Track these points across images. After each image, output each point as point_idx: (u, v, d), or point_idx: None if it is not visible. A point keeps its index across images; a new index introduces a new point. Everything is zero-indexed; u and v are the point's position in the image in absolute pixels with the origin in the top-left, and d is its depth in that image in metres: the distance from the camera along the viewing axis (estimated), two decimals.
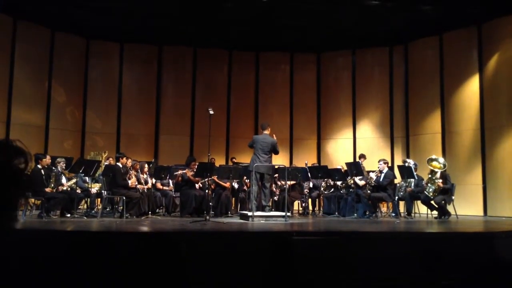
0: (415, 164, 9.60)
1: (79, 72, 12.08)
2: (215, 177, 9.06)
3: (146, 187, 8.65)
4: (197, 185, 9.08)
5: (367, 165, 10.13)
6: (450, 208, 8.90)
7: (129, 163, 8.58)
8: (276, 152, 8.24)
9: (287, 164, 10.21)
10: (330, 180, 10.02)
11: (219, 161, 11.59)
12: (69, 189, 8.20)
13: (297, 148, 13.16)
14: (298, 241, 4.89)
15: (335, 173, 9.74)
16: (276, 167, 9.07)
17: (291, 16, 10.70)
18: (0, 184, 1.03)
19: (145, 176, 8.88)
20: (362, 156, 10.39)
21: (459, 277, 4.39)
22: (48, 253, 4.12)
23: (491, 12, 10.12)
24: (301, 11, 10.37)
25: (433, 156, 9.41)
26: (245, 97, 13.20)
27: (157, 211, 9.21)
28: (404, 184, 9.58)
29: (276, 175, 9.51)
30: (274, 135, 8.31)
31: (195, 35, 12.12)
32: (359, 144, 12.64)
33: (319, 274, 4.54)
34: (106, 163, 9.49)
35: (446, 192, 8.89)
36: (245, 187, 9.72)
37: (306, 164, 10.52)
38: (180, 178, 9.11)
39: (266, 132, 8.25)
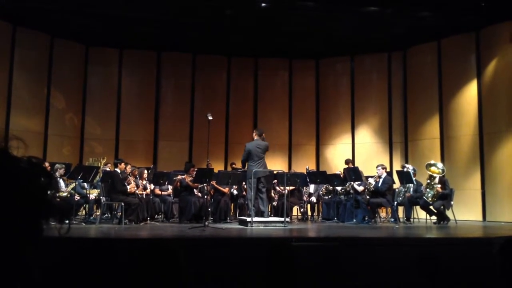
0: (413, 169, 9.60)
1: (78, 79, 12.08)
2: (214, 183, 9.05)
3: (145, 192, 8.63)
4: (195, 191, 9.06)
5: (366, 170, 10.12)
6: (449, 213, 8.90)
7: (129, 168, 8.57)
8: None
9: (286, 170, 10.20)
10: (329, 185, 10.03)
11: (218, 167, 11.56)
12: (68, 195, 8.19)
13: (296, 153, 13.16)
14: (297, 247, 4.89)
15: (334, 179, 9.75)
16: (275, 172, 9.06)
17: (290, 23, 10.73)
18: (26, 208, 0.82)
19: (144, 182, 8.86)
20: (349, 161, 10.37)
21: (459, 283, 4.38)
22: (46, 260, 4.11)
23: (489, 18, 10.16)
24: (300, 18, 10.41)
25: (432, 161, 9.43)
26: (244, 103, 13.21)
27: (156, 217, 9.20)
28: (403, 190, 9.58)
29: (275, 180, 9.51)
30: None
31: (194, 41, 12.14)
32: (358, 150, 12.64)
33: (318, 280, 4.53)
34: (107, 169, 9.45)
35: (445, 197, 8.89)
36: (244, 193, 9.71)
37: (307, 169, 10.51)
38: (178, 184, 9.10)
39: (260, 138, 8.24)
